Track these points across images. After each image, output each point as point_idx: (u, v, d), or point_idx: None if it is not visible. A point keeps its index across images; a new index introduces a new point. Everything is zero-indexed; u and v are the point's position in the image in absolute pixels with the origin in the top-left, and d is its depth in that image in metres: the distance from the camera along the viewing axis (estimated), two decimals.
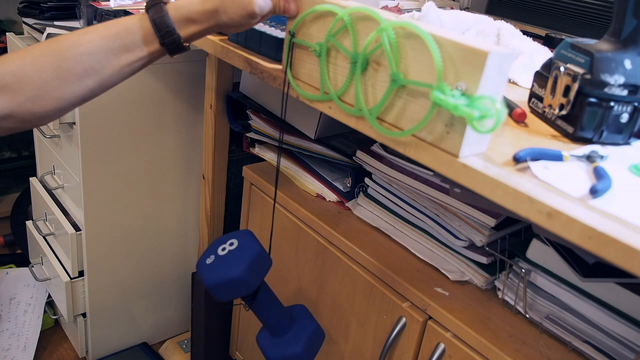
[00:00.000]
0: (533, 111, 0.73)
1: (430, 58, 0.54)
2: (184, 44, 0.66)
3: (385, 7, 1.14)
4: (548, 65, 0.69)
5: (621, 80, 0.60)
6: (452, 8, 1.26)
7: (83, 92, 0.62)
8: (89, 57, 0.61)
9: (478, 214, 0.80)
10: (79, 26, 1.25)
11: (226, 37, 0.94)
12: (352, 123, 0.67)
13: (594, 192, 0.50)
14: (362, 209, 0.99)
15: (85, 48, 0.60)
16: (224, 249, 0.72)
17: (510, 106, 0.69)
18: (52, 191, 1.38)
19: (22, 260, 1.65)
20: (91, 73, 0.61)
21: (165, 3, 0.64)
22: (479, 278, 0.82)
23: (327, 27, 0.66)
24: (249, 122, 1.15)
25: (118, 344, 1.46)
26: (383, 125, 0.62)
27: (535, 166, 0.55)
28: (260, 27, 0.86)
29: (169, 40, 0.64)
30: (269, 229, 1.09)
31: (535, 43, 0.96)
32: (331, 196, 1.03)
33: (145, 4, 0.64)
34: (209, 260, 0.72)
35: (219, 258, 0.72)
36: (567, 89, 0.63)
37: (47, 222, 1.41)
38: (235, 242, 0.73)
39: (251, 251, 0.71)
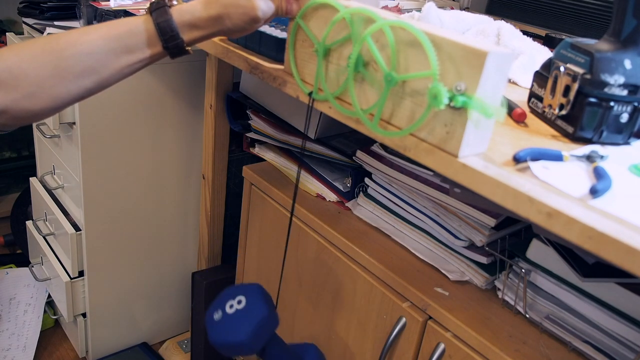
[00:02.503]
0: (533, 111, 0.73)
1: (428, 58, 0.54)
2: (186, 48, 0.66)
3: (385, 7, 1.14)
4: (548, 65, 0.69)
5: (621, 80, 0.60)
6: (452, 8, 1.26)
7: (80, 91, 0.62)
8: (89, 57, 0.60)
9: (478, 214, 0.80)
10: (79, 26, 1.25)
11: (226, 37, 0.94)
12: (352, 123, 0.67)
13: (594, 192, 0.50)
14: (362, 209, 0.99)
15: (86, 48, 0.60)
16: (231, 306, 0.72)
17: (510, 106, 0.70)
18: (52, 191, 1.38)
19: (22, 260, 1.65)
20: (90, 73, 0.61)
21: (170, 6, 0.64)
22: (479, 278, 0.82)
23: (327, 27, 0.66)
24: (249, 122, 1.15)
25: (118, 344, 1.46)
26: (385, 127, 0.62)
27: (535, 166, 0.55)
28: (261, 27, 0.86)
29: (172, 44, 0.64)
30: (269, 229, 1.09)
31: (535, 43, 0.96)
32: (331, 196, 1.03)
33: (148, 5, 0.64)
34: (216, 316, 0.72)
35: (225, 316, 0.71)
36: (567, 89, 0.63)
37: (47, 222, 1.41)
38: (243, 300, 0.72)
39: (257, 314, 0.70)
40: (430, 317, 0.78)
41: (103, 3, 1.17)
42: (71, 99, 0.62)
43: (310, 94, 0.70)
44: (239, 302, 0.72)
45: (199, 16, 0.64)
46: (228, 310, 0.72)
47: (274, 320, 0.73)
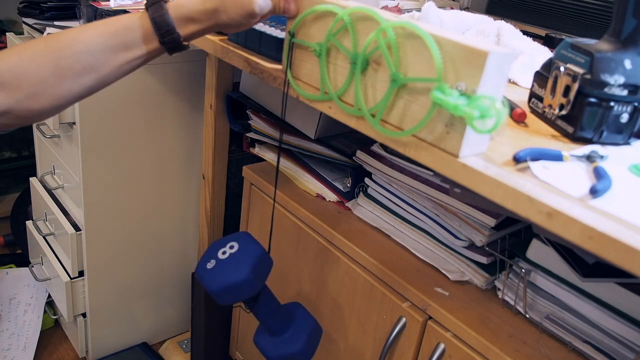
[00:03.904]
0: (533, 111, 0.73)
1: (430, 58, 0.54)
2: (183, 43, 0.66)
3: (385, 7, 1.14)
4: (548, 65, 0.69)
5: (621, 80, 0.60)
6: (452, 8, 1.26)
7: (81, 89, 0.62)
8: (88, 55, 0.60)
9: (478, 214, 0.80)
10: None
11: (226, 37, 0.94)
12: (352, 123, 0.67)
13: (594, 192, 0.50)
14: (362, 209, 0.99)
15: (84, 46, 0.60)
16: (224, 253, 0.72)
17: (510, 106, 0.69)
18: (52, 191, 1.38)
19: (22, 260, 1.65)
20: (90, 71, 0.61)
21: (166, 1, 0.64)
22: (479, 278, 0.82)
23: (327, 27, 0.66)
24: (249, 122, 1.15)
25: (118, 344, 1.46)
26: (384, 126, 0.62)
27: (535, 166, 0.55)
28: (260, 27, 0.86)
29: (168, 39, 0.64)
30: (269, 228, 1.09)
31: (535, 43, 0.96)
32: (331, 196, 1.03)
33: (145, 2, 0.64)
34: (209, 265, 0.72)
35: (220, 262, 0.71)
36: (567, 89, 0.63)
37: (47, 222, 1.41)
38: (235, 244, 0.73)
39: (253, 253, 0.71)
40: (430, 317, 0.79)
41: (103, 3, 1.17)
42: (73, 98, 0.62)
43: (290, 33, 0.70)
44: (231, 247, 0.72)
45: (195, 9, 0.64)
46: (221, 256, 0.72)
47: (268, 259, 0.74)
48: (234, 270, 0.69)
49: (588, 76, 0.61)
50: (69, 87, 0.61)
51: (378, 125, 0.62)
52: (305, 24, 0.69)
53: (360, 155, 0.96)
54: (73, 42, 0.60)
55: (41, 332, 1.46)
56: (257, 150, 1.17)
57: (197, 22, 0.65)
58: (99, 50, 0.61)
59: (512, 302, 0.76)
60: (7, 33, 1.38)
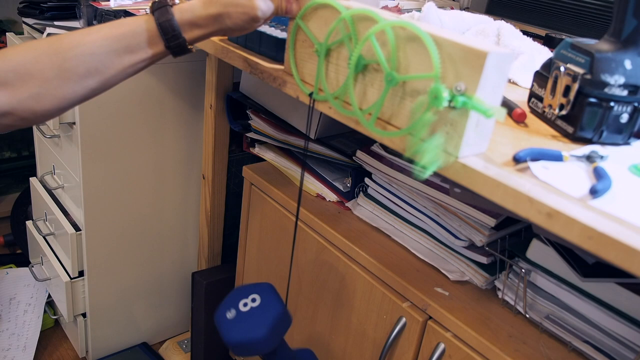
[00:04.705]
0: (533, 111, 0.73)
1: (429, 58, 0.54)
2: (188, 47, 0.66)
3: (385, 7, 1.14)
4: (548, 65, 0.69)
5: (621, 80, 0.60)
6: (452, 8, 1.26)
7: (84, 91, 0.62)
8: (92, 57, 0.61)
9: (478, 214, 0.80)
10: (79, 26, 1.25)
11: (226, 37, 0.94)
12: (352, 123, 0.67)
13: (594, 192, 0.50)
14: (362, 209, 0.99)
15: (89, 48, 0.61)
16: (245, 305, 0.72)
17: (510, 106, 0.69)
18: (52, 191, 1.38)
19: (22, 260, 1.65)
20: (94, 73, 0.61)
21: (171, 6, 0.64)
22: (479, 278, 0.82)
23: (327, 28, 0.66)
24: (249, 122, 1.15)
25: (118, 344, 1.46)
26: (384, 127, 0.62)
27: (535, 166, 0.55)
28: (261, 27, 0.86)
29: (174, 43, 0.65)
30: (269, 229, 1.09)
31: (535, 43, 0.96)
32: (331, 196, 1.03)
33: (150, 5, 0.65)
34: (229, 315, 0.72)
35: (240, 314, 0.71)
36: (567, 89, 0.63)
37: (47, 222, 1.41)
38: (258, 298, 0.73)
39: (274, 312, 0.71)
40: (430, 317, 0.78)
41: (103, 3, 1.17)
42: (76, 100, 0.62)
43: (310, 94, 0.70)
44: (254, 300, 0.72)
45: (199, 14, 0.65)
46: (242, 308, 0.72)
47: (288, 318, 0.74)
48: (253, 327, 0.70)
49: (588, 76, 0.61)
50: (73, 89, 0.61)
51: (372, 126, 0.62)
52: (307, 23, 0.70)
53: (360, 155, 0.96)
54: (78, 44, 0.60)
55: (41, 332, 1.46)
56: (257, 150, 1.17)
57: (201, 27, 0.66)
58: (104, 53, 0.61)
59: (512, 302, 0.76)
60: (7, 33, 1.38)
